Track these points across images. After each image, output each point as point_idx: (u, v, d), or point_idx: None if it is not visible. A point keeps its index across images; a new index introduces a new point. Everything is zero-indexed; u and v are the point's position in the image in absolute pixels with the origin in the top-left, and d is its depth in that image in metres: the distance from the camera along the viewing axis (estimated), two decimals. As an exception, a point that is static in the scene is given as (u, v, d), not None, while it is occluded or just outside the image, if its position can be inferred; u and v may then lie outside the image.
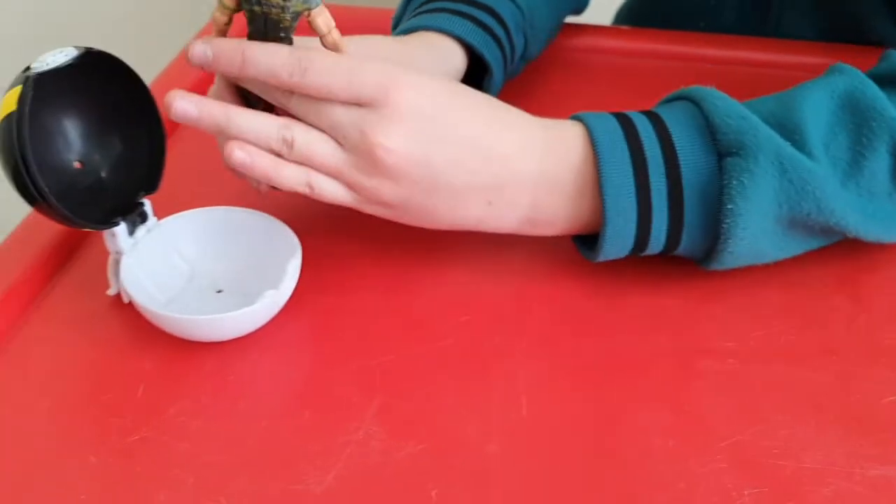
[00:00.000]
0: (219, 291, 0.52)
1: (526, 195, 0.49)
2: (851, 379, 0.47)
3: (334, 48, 0.50)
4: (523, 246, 0.54)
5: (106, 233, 0.50)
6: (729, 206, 0.47)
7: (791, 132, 0.48)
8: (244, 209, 0.53)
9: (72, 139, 0.50)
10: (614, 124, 0.49)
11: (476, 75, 0.62)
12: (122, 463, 0.44)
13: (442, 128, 0.48)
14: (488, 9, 0.62)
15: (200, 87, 0.71)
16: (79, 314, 0.52)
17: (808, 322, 0.50)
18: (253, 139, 0.47)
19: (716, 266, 0.50)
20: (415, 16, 0.63)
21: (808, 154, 0.47)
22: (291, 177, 0.48)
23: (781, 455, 0.43)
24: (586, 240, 0.52)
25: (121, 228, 0.50)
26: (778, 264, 0.52)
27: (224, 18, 0.49)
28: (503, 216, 0.50)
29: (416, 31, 0.60)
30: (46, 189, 0.46)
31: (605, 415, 0.46)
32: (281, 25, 0.48)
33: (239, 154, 0.47)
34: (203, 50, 0.48)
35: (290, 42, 0.49)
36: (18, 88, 0.46)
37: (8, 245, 0.55)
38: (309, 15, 0.47)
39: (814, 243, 0.51)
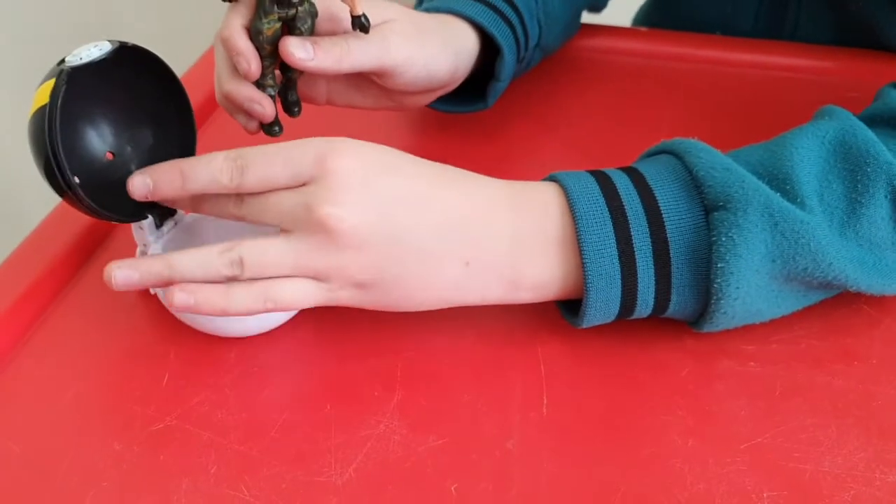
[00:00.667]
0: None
1: (504, 254, 0.46)
2: (873, 384, 0.46)
3: (351, 4, 0.51)
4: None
5: (134, 225, 0.51)
6: (719, 265, 0.44)
7: (782, 182, 0.45)
8: None
9: (104, 132, 0.50)
10: (591, 182, 0.46)
11: (490, 60, 0.62)
12: (145, 451, 0.44)
13: (394, 186, 0.45)
14: None
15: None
16: (105, 305, 0.52)
17: (831, 326, 0.50)
18: (202, 276, 0.45)
19: (709, 328, 0.47)
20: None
21: (801, 204, 0.45)
22: (246, 299, 0.45)
23: (802, 458, 0.43)
24: (570, 305, 0.49)
25: (148, 221, 0.50)
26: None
27: None
28: (485, 280, 0.46)
29: (429, 12, 0.61)
30: (76, 182, 0.46)
31: (625, 414, 0.46)
32: None
33: (180, 296, 0.44)
34: (142, 181, 0.47)
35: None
36: (52, 81, 0.46)
37: (36, 236, 0.56)
38: None
39: (813, 298, 0.48)
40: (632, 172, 0.47)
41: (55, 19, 1.43)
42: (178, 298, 0.45)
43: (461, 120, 0.67)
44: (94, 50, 0.48)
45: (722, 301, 0.45)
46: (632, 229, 0.45)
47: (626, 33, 0.78)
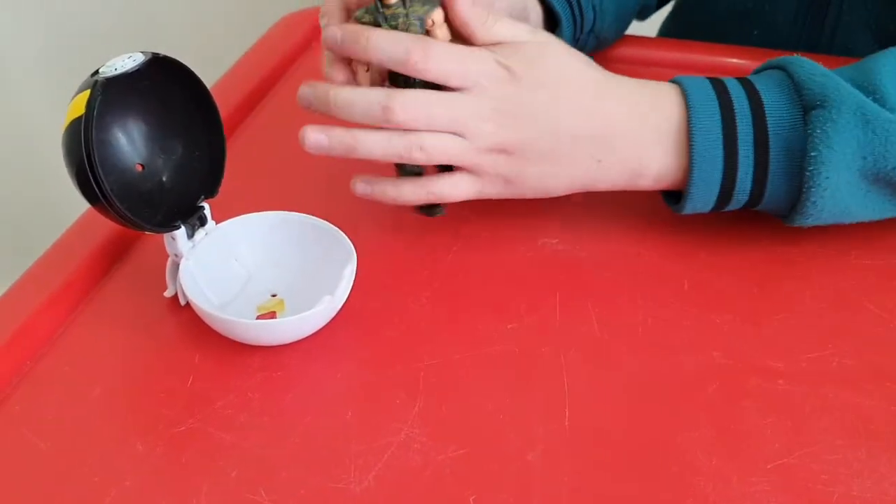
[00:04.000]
0: (273, 296, 0.53)
1: (633, 151, 0.52)
2: (906, 406, 0.45)
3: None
4: (572, 256, 0.54)
5: (166, 236, 0.51)
6: (812, 154, 0.49)
7: (872, 93, 0.49)
8: (301, 214, 0.54)
9: (136, 142, 0.51)
10: (706, 82, 0.52)
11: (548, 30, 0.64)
12: (167, 452, 0.45)
13: (568, 84, 0.52)
14: None
15: (260, 91, 0.73)
16: (133, 308, 0.53)
17: (864, 346, 0.48)
18: (381, 154, 0.51)
19: (800, 221, 0.51)
20: None
21: (891, 110, 0.49)
22: (414, 191, 0.53)
23: (830, 481, 0.42)
24: (674, 197, 0.54)
25: (180, 232, 0.51)
26: (839, 286, 0.51)
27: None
28: (613, 172, 0.52)
29: None
30: (111, 192, 0.47)
31: (649, 430, 0.45)
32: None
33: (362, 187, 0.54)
34: (334, 33, 0.51)
35: None
36: (87, 93, 0.47)
37: (68, 237, 0.57)
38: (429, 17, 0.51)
39: None
40: (741, 79, 0.53)
41: (91, 26, 1.45)
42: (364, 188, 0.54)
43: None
44: (127, 61, 0.48)
45: (813, 189, 0.49)
46: (737, 120, 0.50)
47: (644, 43, 0.77)
